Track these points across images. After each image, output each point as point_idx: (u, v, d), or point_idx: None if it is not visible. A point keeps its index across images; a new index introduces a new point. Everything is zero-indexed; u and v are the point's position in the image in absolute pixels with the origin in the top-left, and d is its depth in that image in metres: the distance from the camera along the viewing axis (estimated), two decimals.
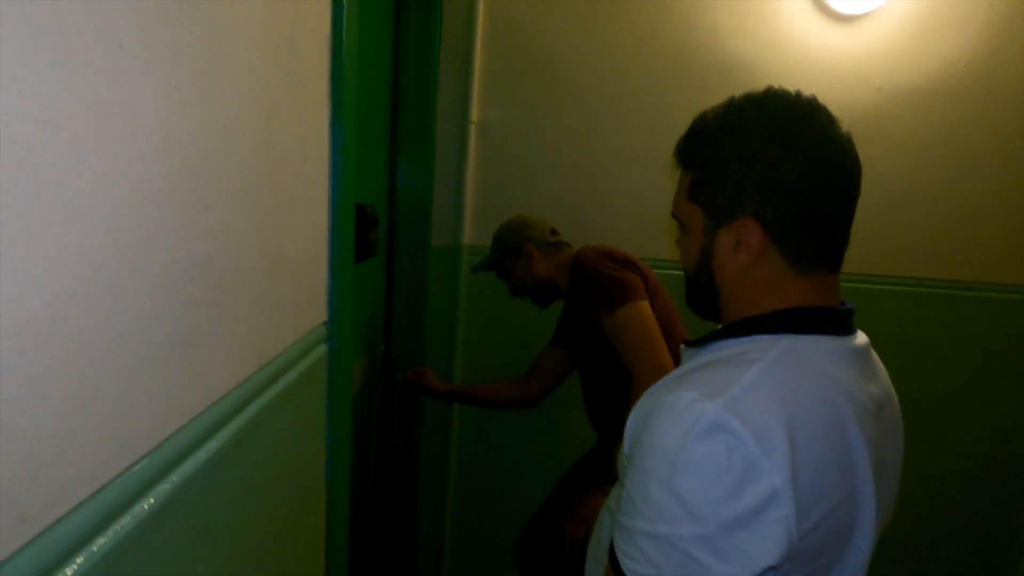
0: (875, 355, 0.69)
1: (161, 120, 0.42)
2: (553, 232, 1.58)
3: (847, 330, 0.65)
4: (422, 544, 2.01)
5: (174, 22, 0.43)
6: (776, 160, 0.60)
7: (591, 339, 1.45)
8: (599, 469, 1.43)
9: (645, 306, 1.33)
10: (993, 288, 1.81)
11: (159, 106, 0.41)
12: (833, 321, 0.63)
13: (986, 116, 1.71)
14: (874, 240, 1.77)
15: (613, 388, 1.46)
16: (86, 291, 0.35)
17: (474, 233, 1.81)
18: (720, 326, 0.69)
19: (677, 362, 1.38)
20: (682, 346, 0.72)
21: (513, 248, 1.55)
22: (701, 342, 0.68)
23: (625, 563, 0.56)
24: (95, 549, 0.37)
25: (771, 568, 0.53)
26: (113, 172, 0.37)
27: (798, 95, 0.63)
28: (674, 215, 0.72)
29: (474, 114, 1.76)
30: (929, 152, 1.72)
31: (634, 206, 1.77)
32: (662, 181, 1.77)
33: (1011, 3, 1.65)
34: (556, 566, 1.59)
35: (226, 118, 0.51)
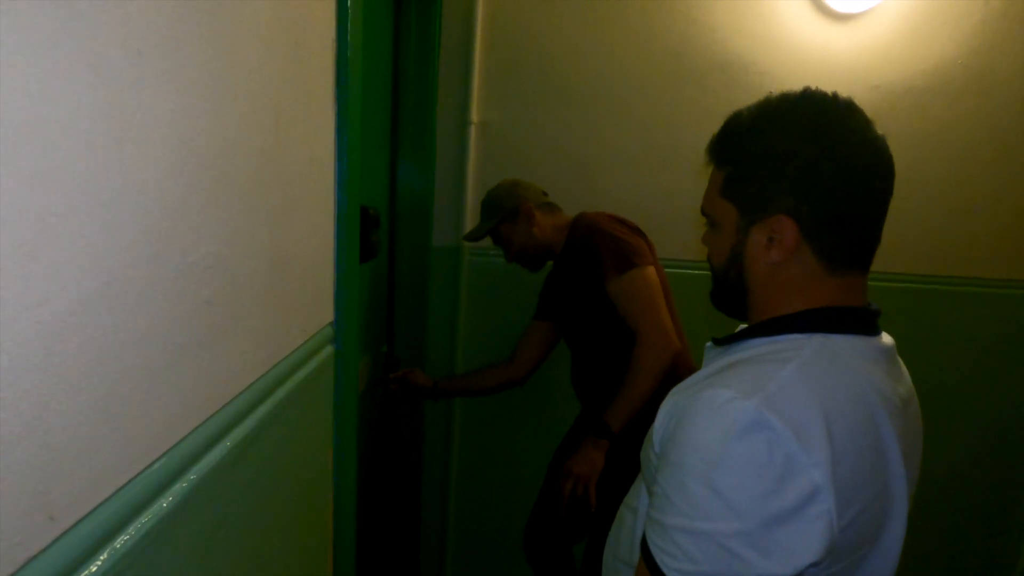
0: (899, 357, 0.70)
1: (177, 124, 0.43)
2: (544, 193, 1.58)
3: (875, 330, 0.66)
4: (425, 542, 2.01)
5: (187, 28, 0.43)
6: (814, 159, 0.61)
7: (584, 302, 1.45)
8: (590, 427, 1.41)
9: (652, 271, 1.39)
10: (989, 284, 1.83)
11: (175, 110, 0.42)
12: (862, 321, 0.64)
13: (982, 113, 1.72)
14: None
15: (602, 353, 1.46)
16: (111, 293, 0.36)
17: None
18: (744, 324, 0.70)
19: (675, 321, 1.40)
20: (708, 344, 0.72)
21: (511, 210, 1.52)
22: (729, 340, 0.68)
23: (661, 559, 0.56)
24: (118, 546, 0.38)
25: (812, 564, 0.53)
26: (135, 176, 0.38)
27: (835, 96, 0.64)
28: (704, 212, 0.72)
29: (474, 114, 1.76)
30: (925, 149, 1.74)
31: (635, 205, 1.77)
32: (663, 180, 1.78)
33: (1006, 1, 1.66)
34: (560, 546, 1.59)
35: (237, 121, 0.52)
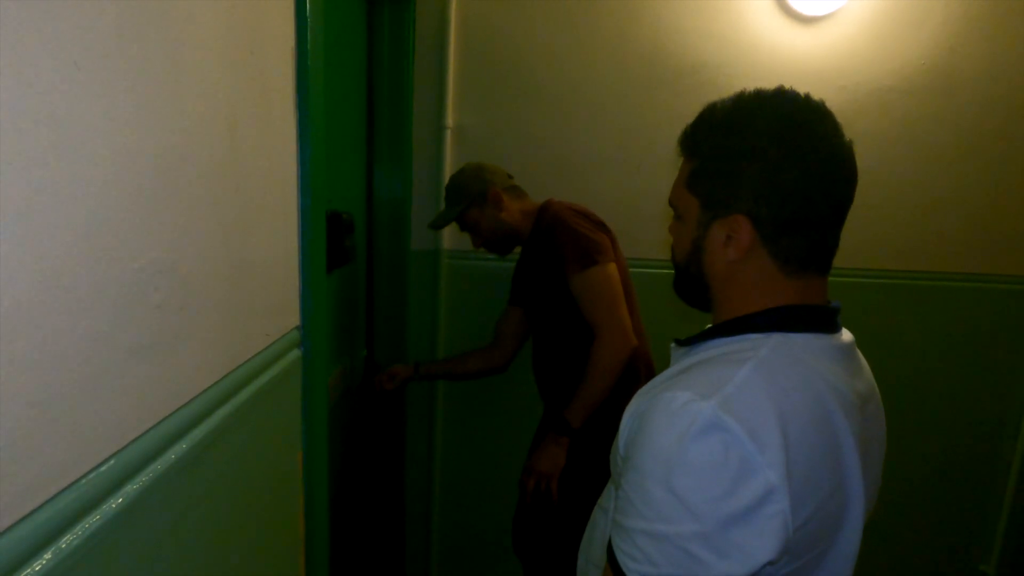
0: (859, 352, 0.71)
1: (122, 134, 0.44)
2: (509, 176, 1.57)
3: (834, 328, 0.66)
4: (409, 542, 2.02)
5: (131, 40, 0.44)
6: (776, 161, 0.61)
7: (549, 290, 1.47)
8: (551, 423, 1.44)
9: (614, 268, 1.41)
10: (955, 278, 1.87)
11: (119, 120, 0.43)
12: (820, 319, 0.65)
13: (946, 112, 1.76)
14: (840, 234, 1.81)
15: (562, 344, 1.48)
16: (45, 298, 0.37)
17: (452, 237, 1.83)
18: (710, 320, 0.71)
19: (634, 318, 1.41)
20: (672, 345, 0.73)
21: (478, 194, 1.50)
22: (692, 341, 0.69)
23: (625, 562, 0.57)
24: (63, 545, 0.39)
25: (768, 563, 0.54)
26: (73, 185, 0.39)
27: (807, 98, 0.63)
28: (671, 202, 0.72)
29: (449, 119, 1.78)
30: (892, 148, 1.77)
31: (610, 206, 1.79)
32: (637, 181, 1.80)
33: (967, 3, 1.70)
34: (547, 542, 1.61)
35: (187, 129, 0.53)
